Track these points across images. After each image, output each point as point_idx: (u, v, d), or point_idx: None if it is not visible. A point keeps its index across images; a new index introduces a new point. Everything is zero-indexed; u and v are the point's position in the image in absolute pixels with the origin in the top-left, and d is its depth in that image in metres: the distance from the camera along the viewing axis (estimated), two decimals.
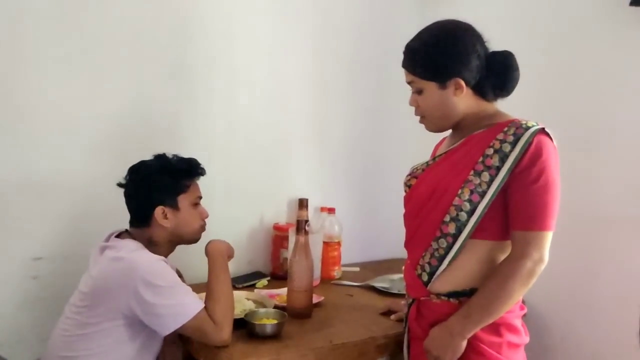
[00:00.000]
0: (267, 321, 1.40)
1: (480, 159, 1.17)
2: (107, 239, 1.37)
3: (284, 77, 1.97)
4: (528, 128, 1.15)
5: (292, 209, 1.98)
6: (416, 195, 1.28)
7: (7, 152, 1.52)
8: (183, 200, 1.40)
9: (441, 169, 1.24)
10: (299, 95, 2.01)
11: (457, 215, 1.17)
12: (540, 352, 1.69)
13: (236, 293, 1.60)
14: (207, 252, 1.42)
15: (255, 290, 1.72)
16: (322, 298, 1.65)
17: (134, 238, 1.37)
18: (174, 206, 1.39)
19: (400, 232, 2.35)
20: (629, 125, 1.56)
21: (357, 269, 2.05)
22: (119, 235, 1.38)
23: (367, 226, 2.19)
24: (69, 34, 1.57)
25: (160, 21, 1.71)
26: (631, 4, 1.52)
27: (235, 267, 1.90)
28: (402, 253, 2.24)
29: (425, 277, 1.24)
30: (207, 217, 1.47)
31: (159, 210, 1.36)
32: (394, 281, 1.85)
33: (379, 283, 1.83)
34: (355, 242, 2.12)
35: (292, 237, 1.73)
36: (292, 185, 2.01)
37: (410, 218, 1.31)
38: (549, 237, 1.14)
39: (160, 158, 1.42)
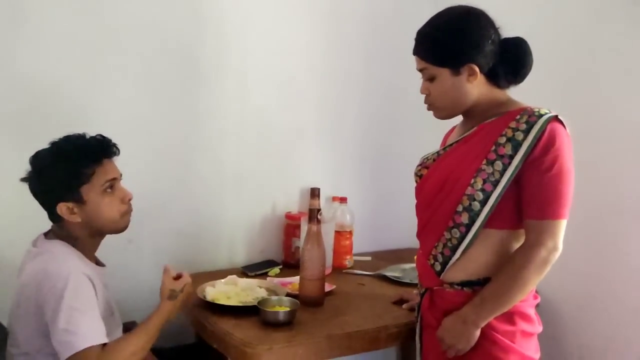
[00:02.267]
0: (280, 309, 1.41)
1: (493, 148, 1.16)
2: (36, 240, 1.26)
3: (297, 66, 1.96)
4: (541, 115, 1.14)
5: (304, 198, 1.99)
6: (428, 186, 1.27)
7: None
8: (88, 190, 1.21)
9: (453, 158, 1.23)
10: (312, 84, 2.01)
11: (470, 205, 1.16)
12: (553, 343, 1.69)
13: (248, 281, 1.62)
14: (161, 298, 1.29)
15: (268, 278, 1.74)
16: (334, 287, 1.66)
17: (57, 235, 1.25)
18: (78, 200, 1.21)
19: (412, 222, 2.35)
20: None
21: (368, 258, 2.05)
22: (47, 234, 1.27)
23: (379, 216, 2.19)
24: (83, 27, 1.59)
25: (173, 12, 1.71)
26: None
27: (247, 255, 1.93)
28: (414, 243, 2.24)
29: (438, 267, 1.24)
30: (130, 198, 1.28)
31: (61, 207, 1.20)
32: (406, 270, 1.85)
33: (390, 272, 1.83)
34: (367, 232, 2.12)
35: (304, 226, 1.74)
36: (304, 174, 2.02)
37: (422, 208, 1.30)
38: (563, 225, 1.13)
39: (55, 144, 1.22)
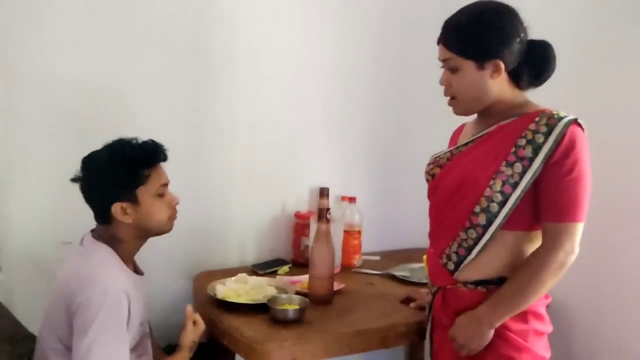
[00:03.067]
0: (289, 306, 1.42)
1: (513, 150, 1.15)
2: (83, 237, 1.28)
3: (307, 65, 1.97)
4: (561, 118, 1.13)
5: (314, 197, 2.00)
6: (444, 186, 1.26)
7: (31, 136, 1.56)
8: (143, 192, 1.24)
9: (470, 158, 1.22)
10: (322, 84, 2.02)
11: (488, 206, 1.16)
12: (562, 344, 1.69)
13: (258, 279, 1.64)
14: (182, 347, 1.31)
15: (277, 276, 1.75)
16: (343, 285, 1.67)
17: (101, 236, 1.27)
18: (133, 200, 1.23)
19: (421, 222, 2.35)
20: None
21: (377, 257, 2.06)
22: (93, 233, 1.29)
23: (388, 215, 2.19)
24: (95, 23, 1.61)
25: (183, 11, 1.73)
26: None
27: (257, 254, 1.95)
28: (422, 243, 2.25)
29: (451, 266, 1.24)
30: (177, 203, 1.32)
31: (116, 207, 1.22)
32: (414, 270, 1.86)
33: (399, 272, 1.84)
34: (376, 231, 2.13)
35: (313, 225, 1.75)
36: (313, 174, 2.03)
37: (437, 208, 1.29)
38: (580, 228, 1.14)
39: (111, 147, 1.25)
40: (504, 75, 1.18)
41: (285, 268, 1.86)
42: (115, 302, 1.16)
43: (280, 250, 1.98)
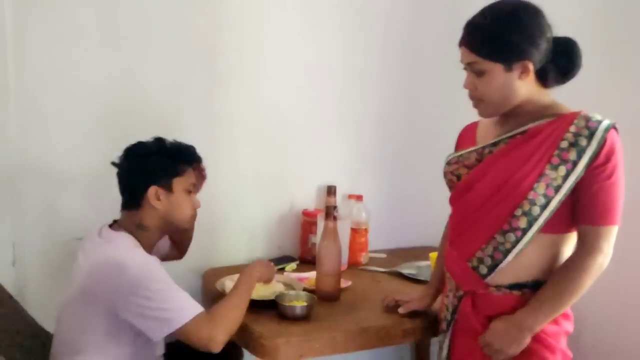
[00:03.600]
0: (297, 303, 1.44)
1: (556, 152, 1.13)
2: (100, 229, 1.34)
3: (315, 64, 1.98)
4: (599, 122, 1.12)
5: (321, 195, 2.01)
6: (479, 188, 1.21)
7: (36, 135, 1.59)
8: (178, 183, 1.35)
9: (510, 160, 1.17)
10: (330, 82, 2.02)
11: (530, 209, 1.14)
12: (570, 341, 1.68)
13: None
14: (243, 270, 1.44)
15: (285, 273, 1.77)
16: (350, 283, 1.68)
17: (124, 225, 1.34)
18: (168, 188, 1.34)
19: (427, 220, 2.36)
20: None
21: (383, 255, 2.07)
22: (111, 226, 1.36)
23: (394, 213, 2.20)
24: (103, 22, 1.63)
25: (192, 11, 1.74)
26: None
27: (265, 251, 1.96)
28: (429, 241, 2.27)
29: (484, 270, 1.20)
30: (199, 207, 1.43)
31: (152, 190, 1.32)
32: (421, 268, 1.87)
33: (406, 269, 1.85)
34: (382, 230, 2.13)
35: (320, 223, 1.76)
36: (321, 172, 2.04)
37: (467, 211, 1.24)
38: (616, 231, 1.14)
39: (159, 140, 1.39)
40: (531, 76, 1.16)
41: (293, 265, 1.87)
42: (154, 266, 1.26)
43: (288, 247, 2.00)
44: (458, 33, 1.19)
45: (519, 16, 1.14)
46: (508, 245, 1.17)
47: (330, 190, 1.81)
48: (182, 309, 1.23)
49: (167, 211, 1.34)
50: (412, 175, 2.22)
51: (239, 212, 1.89)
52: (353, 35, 2.04)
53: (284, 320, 1.40)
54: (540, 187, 1.13)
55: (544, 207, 1.13)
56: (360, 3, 2.04)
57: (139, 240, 1.33)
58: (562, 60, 1.17)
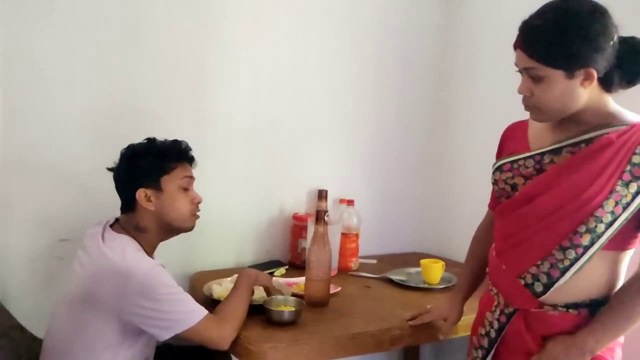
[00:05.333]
0: (285, 308, 1.42)
1: (628, 168, 1.05)
2: (103, 230, 1.33)
3: (306, 68, 1.98)
4: None
5: (312, 199, 2.00)
6: (541, 202, 1.11)
7: (29, 135, 1.56)
8: (167, 182, 1.35)
9: (579, 176, 1.08)
10: (322, 86, 2.02)
11: (595, 226, 1.06)
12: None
13: None
14: (239, 273, 1.48)
15: (274, 278, 1.74)
16: (339, 288, 1.67)
17: (124, 227, 1.35)
18: (157, 188, 1.34)
19: (418, 226, 2.36)
20: None
21: (374, 261, 2.06)
22: (112, 225, 1.36)
23: (386, 219, 2.19)
24: (93, 22, 1.61)
25: (184, 11, 1.73)
26: None
27: (254, 255, 1.95)
28: (420, 247, 2.27)
29: (539, 288, 1.12)
30: (199, 202, 1.41)
31: (140, 193, 1.33)
32: (411, 274, 1.86)
33: (396, 276, 1.84)
34: (373, 235, 2.13)
35: (310, 227, 1.75)
36: (312, 176, 2.03)
37: (524, 223, 1.14)
38: None
39: (148, 140, 1.39)
40: (594, 82, 1.07)
41: (282, 270, 1.86)
42: (159, 271, 1.27)
43: (277, 251, 1.98)
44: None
45: (583, 18, 1.03)
46: (567, 263, 1.08)
47: (322, 195, 1.80)
48: (190, 311, 1.27)
49: (161, 211, 1.34)
50: (404, 181, 2.22)
51: (227, 215, 1.87)
52: (346, 40, 2.04)
53: (271, 325, 1.38)
54: (609, 205, 1.06)
55: (609, 225, 1.06)
56: (353, 7, 2.04)
57: (140, 242, 1.33)
58: (629, 65, 1.08)
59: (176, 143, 1.40)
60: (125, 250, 1.27)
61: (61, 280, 1.58)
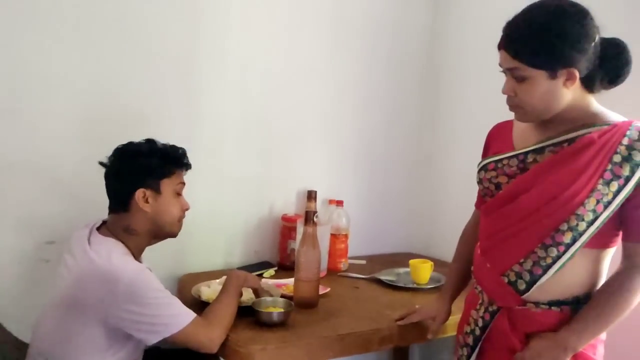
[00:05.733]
0: (274, 309, 1.42)
1: (609, 167, 1.07)
2: (90, 233, 1.30)
3: (296, 69, 1.97)
4: None
5: (301, 200, 2.00)
6: (526, 199, 1.13)
7: (15, 136, 1.54)
8: (166, 185, 1.34)
9: (561, 175, 1.09)
10: (311, 88, 2.02)
11: (577, 225, 1.08)
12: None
13: None
14: (227, 275, 1.47)
15: (263, 279, 1.74)
16: (329, 289, 1.67)
17: (111, 229, 1.33)
18: (156, 190, 1.33)
19: (408, 226, 2.37)
20: None
21: (363, 261, 2.06)
22: (99, 228, 1.34)
23: (375, 220, 2.20)
24: (81, 20, 1.59)
25: (172, 10, 1.72)
26: None
27: (243, 256, 1.94)
28: (409, 247, 2.27)
29: (522, 286, 1.13)
30: (187, 209, 1.41)
31: (139, 193, 1.30)
32: (400, 274, 1.86)
33: (385, 276, 1.84)
34: (363, 235, 2.13)
35: (300, 228, 1.74)
36: (301, 177, 2.03)
37: (507, 222, 1.16)
38: None
39: (149, 141, 1.38)
40: (577, 82, 1.09)
41: (271, 271, 1.85)
42: (147, 275, 1.25)
43: (266, 252, 1.97)
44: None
45: (566, 19, 1.05)
46: (549, 261, 1.10)
47: (311, 195, 1.79)
48: (178, 315, 1.26)
49: (155, 214, 1.33)
50: (393, 181, 2.23)
51: (216, 216, 1.86)
52: (334, 41, 2.04)
53: (260, 327, 1.38)
54: (590, 203, 1.07)
55: (590, 223, 1.08)
56: (342, 9, 2.04)
57: (127, 245, 1.31)
58: (610, 65, 1.10)
59: (176, 148, 1.39)
60: (111, 253, 1.25)
61: (47, 283, 1.57)
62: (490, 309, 1.21)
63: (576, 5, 1.08)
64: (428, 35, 2.19)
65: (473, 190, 1.36)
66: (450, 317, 1.42)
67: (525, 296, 1.14)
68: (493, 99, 1.30)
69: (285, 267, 1.89)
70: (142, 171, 1.32)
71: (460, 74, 2.12)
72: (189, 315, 1.27)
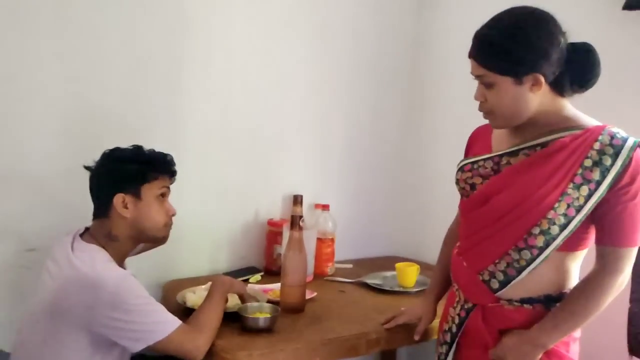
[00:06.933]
0: (260, 315, 1.41)
1: (579, 171, 1.09)
2: (73, 240, 1.29)
3: (281, 73, 1.97)
4: (625, 140, 1.09)
5: (287, 205, 1.99)
6: (497, 201, 1.16)
7: None
8: (147, 190, 1.33)
9: (531, 177, 1.12)
10: (296, 92, 2.02)
11: (549, 228, 1.10)
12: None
13: None
14: (212, 280, 1.46)
15: (249, 285, 1.73)
16: (315, 294, 1.66)
17: (94, 236, 1.32)
18: (136, 195, 1.31)
19: (394, 230, 2.38)
20: None
21: (350, 265, 2.06)
22: (82, 235, 1.33)
23: (361, 223, 2.20)
24: (60, 27, 1.57)
25: (155, 17, 1.71)
26: (624, 7, 1.54)
27: (229, 262, 1.93)
28: (395, 251, 2.28)
29: (495, 285, 1.17)
30: (173, 214, 1.40)
31: (118, 198, 1.29)
32: (387, 278, 1.87)
33: (371, 280, 1.84)
34: (349, 239, 2.13)
35: (286, 233, 1.74)
36: (286, 181, 2.02)
37: (481, 223, 1.19)
38: (636, 252, 1.13)
39: (136, 147, 1.38)
40: (545, 87, 1.11)
41: (257, 276, 1.84)
42: (130, 282, 1.24)
43: (252, 258, 1.96)
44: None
45: (527, 27, 1.09)
46: (523, 263, 1.14)
47: (297, 200, 1.79)
48: (163, 322, 1.25)
49: (136, 219, 1.32)
50: (379, 185, 2.23)
51: (202, 222, 1.85)
52: (318, 46, 2.04)
53: (246, 332, 1.37)
54: (561, 207, 1.10)
55: (563, 227, 1.10)
56: (326, 13, 2.04)
57: (110, 252, 1.30)
58: (578, 69, 1.12)
59: (162, 154, 1.38)
60: (95, 260, 1.24)
61: (29, 291, 1.54)
62: (465, 306, 1.24)
63: (539, 12, 1.11)
64: (413, 41, 2.20)
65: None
66: (436, 320, 1.43)
67: (498, 294, 1.18)
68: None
69: (272, 272, 1.88)
70: (121, 176, 1.31)
71: (445, 78, 2.13)
72: (174, 322, 1.25)
